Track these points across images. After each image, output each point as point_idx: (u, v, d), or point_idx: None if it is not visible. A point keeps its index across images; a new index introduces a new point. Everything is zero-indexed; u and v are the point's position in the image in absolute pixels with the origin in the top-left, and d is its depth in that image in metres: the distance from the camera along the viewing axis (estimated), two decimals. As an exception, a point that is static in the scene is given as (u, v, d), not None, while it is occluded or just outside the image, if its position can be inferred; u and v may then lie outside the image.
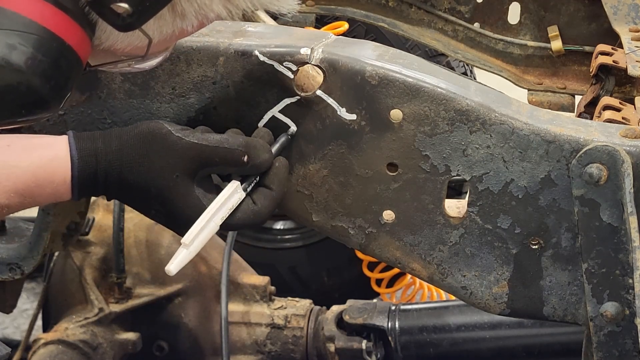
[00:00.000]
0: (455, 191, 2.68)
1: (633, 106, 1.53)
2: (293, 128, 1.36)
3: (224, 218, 1.30)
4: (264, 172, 1.32)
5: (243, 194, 1.31)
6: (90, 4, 1.07)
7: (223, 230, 1.33)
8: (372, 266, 3.13)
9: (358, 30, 2.96)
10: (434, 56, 2.93)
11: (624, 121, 1.43)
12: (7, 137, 1.28)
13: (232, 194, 1.30)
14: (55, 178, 1.26)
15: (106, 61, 1.19)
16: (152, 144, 1.28)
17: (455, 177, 1.33)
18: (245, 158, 1.29)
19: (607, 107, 1.48)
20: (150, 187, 1.29)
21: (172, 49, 1.26)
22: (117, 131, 1.30)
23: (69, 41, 1.07)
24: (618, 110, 1.47)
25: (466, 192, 1.36)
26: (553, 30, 2.18)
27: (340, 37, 1.43)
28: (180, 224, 1.30)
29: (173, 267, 1.28)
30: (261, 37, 1.39)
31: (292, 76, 1.34)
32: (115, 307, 2.45)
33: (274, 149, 1.34)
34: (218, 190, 1.31)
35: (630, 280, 1.26)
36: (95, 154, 1.27)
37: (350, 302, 2.56)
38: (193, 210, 1.29)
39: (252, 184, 1.32)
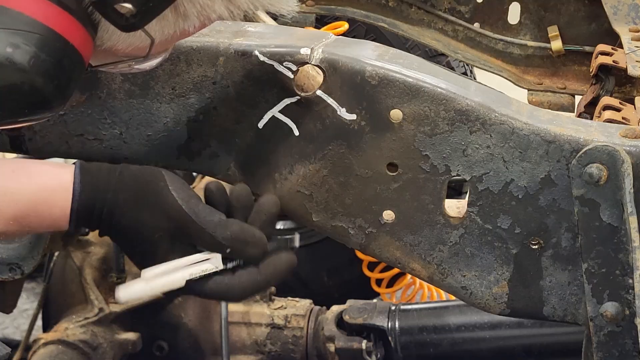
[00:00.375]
0: (455, 191, 2.68)
1: (633, 106, 1.53)
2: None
3: (193, 277, 1.28)
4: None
5: (219, 266, 1.29)
6: (93, 4, 1.06)
7: (188, 294, 1.31)
8: (372, 266, 3.13)
9: (358, 30, 2.96)
10: (434, 56, 2.93)
11: (624, 121, 1.43)
12: (14, 162, 1.28)
13: (209, 261, 1.28)
14: (55, 210, 1.26)
15: (107, 61, 1.18)
16: (146, 195, 1.28)
17: (455, 177, 1.33)
18: (228, 251, 1.28)
19: (607, 107, 1.48)
20: (134, 238, 1.28)
21: (171, 49, 1.26)
22: (121, 169, 1.30)
23: (72, 41, 1.06)
24: (618, 110, 1.47)
25: (466, 192, 1.36)
26: (553, 30, 2.18)
27: (340, 37, 1.43)
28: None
29: (122, 294, 1.28)
30: (261, 37, 1.39)
31: (292, 76, 1.34)
32: (115, 307, 2.45)
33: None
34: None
35: (630, 280, 1.26)
36: (97, 190, 1.27)
37: (350, 302, 2.56)
38: None
39: (234, 264, 1.30)
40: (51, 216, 1.26)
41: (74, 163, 1.31)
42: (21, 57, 1.03)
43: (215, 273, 1.29)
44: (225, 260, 1.29)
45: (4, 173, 1.25)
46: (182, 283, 1.28)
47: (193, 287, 1.29)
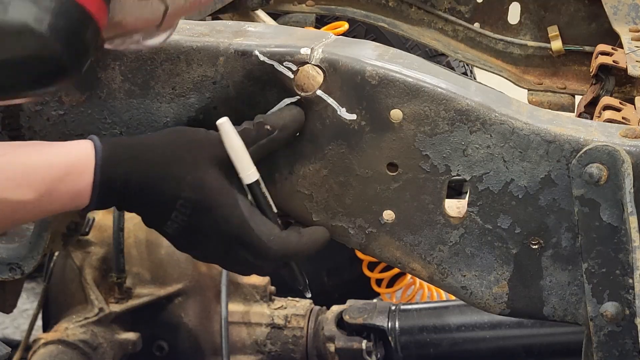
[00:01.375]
0: (455, 191, 2.68)
1: (633, 106, 1.53)
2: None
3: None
4: None
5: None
6: None
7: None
8: (372, 266, 3.13)
9: (358, 30, 2.97)
10: (434, 56, 2.93)
11: (624, 121, 1.43)
12: (29, 142, 1.27)
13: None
14: (77, 185, 1.24)
15: (117, 33, 1.17)
16: (181, 139, 1.27)
17: (455, 177, 1.33)
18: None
19: (607, 107, 1.48)
20: (181, 183, 1.26)
21: (176, 27, 1.24)
22: (141, 137, 1.29)
23: (89, 8, 1.05)
24: (618, 110, 1.47)
25: (466, 192, 1.36)
26: (553, 30, 2.18)
27: (340, 37, 1.43)
28: (212, 225, 1.28)
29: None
30: (261, 37, 1.39)
31: (292, 76, 1.34)
32: (115, 307, 2.45)
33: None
34: None
35: (630, 280, 1.26)
36: (118, 160, 1.25)
37: (350, 302, 2.56)
38: (231, 211, 1.27)
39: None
40: (73, 194, 1.23)
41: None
42: (40, 24, 1.02)
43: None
44: None
45: (26, 151, 1.23)
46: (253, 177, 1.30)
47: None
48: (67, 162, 1.24)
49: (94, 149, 1.26)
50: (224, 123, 1.28)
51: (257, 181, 1.30)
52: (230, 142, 1.28)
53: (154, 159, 1.27)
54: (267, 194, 1.32)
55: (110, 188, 1.26)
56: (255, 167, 1.30)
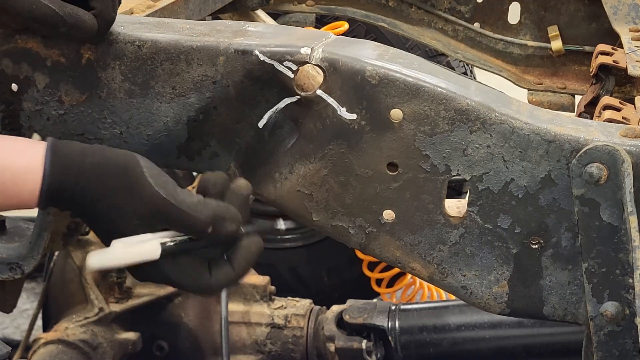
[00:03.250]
0: (455, 191, 2.68)
1: (633, 106, 1.53)
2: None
3: (166, 243, 1.24)
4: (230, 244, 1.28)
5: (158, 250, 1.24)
6: None
7: (159, 278, 1.27)
8: (372, 266, 3.13)
9: (358, 30, 2.97)
10: (434, 56, 2.93)
11: (624, 121, 1.43)
12: None
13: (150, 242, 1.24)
14: (24, 192, 1.23)
15: None
16: (122, 179, 1.24)
17: (455, 177, 1.33)
18: (210, 229, 1.25)
19: (607, 107, 1.48)
20: (110, 224, 1.25)
21: None
22: (96, 150, 1.26)
23: None
24: (618, 110, 1.47)
25: (466, 192, 1.36)
26: (553, 30, 2.18)
27: (340, 37, 1.43)
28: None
29: (95, 260, 1.23)
30: (261, 37, 1.39)
31: (292, 76, 1.34)
32: (115, 307, 2.45)
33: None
34: None
35: (630, 280, 1.26)
36: (68, 173, 1.23)
37: (350, 302, 2.57)
38: None
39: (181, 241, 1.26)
40: (20, 197, 1.23)
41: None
42: None
43: (192, 269, 1.26)
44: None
45: None
46: (158, 253, 1.23)
47: (164, 267, 1.25)
48: (17, 166, 1.23)
49: (44, 157, 1.23)
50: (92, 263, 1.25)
51: (163, 248, 1.26)
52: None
53: (96, 188, 1.24)
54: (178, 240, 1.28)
55: (59, 198, 1.24)
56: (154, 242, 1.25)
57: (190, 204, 1.25)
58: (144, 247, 1.24)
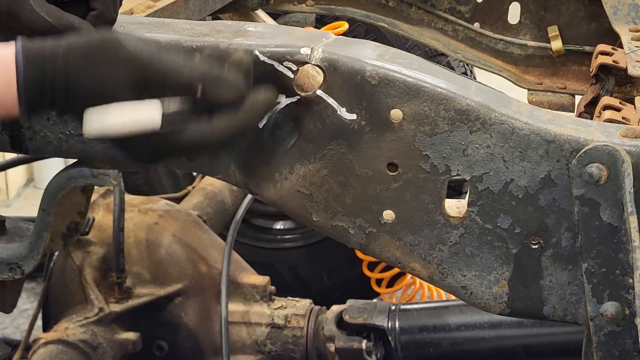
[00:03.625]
0: (455, 191, 2.68)
1: (633, 106, 1.53)
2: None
3: (166, 110, 1.17)
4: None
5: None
6: None
7: (161, 150, 1.22)
8: (372, 266, 3.13)
9: (358, 30, 2.97)
10: (434, 56, 2.93)
11: (624, 121, 1.43)
12: None
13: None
14: (3, 92, 1.17)
15: None
16: (100, 50, 1.19)
17: (455, 177, 1.33)
18: (199, 92, 1.20)
19: (607, 107, 1.48)
20: (95, 100, 1.20)
21: None
22: (69, 36, 1.22)
23: None
24: (618, 110, 1.47)
25: (466, 192, 1.36)
26: (553, 30, 2.18)
27: (340, 37, 1.43)
28: None
29: (94, 124, 1.18)
30: (261, 37, 1.39)
31: (292, 76, 1.34)
32: (115, 307, 2.45)
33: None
34: None
35: (630, 280, 1.26)
36: (42, 58, 1.19)
37: (350, 302, 2.56)
38: None
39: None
40: (2, 103, 1.18)
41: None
42: None
43: (190, 120, 1.21)
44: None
45: None
46: (158, 115, 1.19)
47: (169, 138, 1.21)
48: None
49: (15, 51, 1.19)
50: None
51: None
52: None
53: (75, 63, 1.19)
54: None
55: (40, 89, 1.20)
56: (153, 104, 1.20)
57: (173, 62, 1.21)
58: (143, 109, 1.19)
